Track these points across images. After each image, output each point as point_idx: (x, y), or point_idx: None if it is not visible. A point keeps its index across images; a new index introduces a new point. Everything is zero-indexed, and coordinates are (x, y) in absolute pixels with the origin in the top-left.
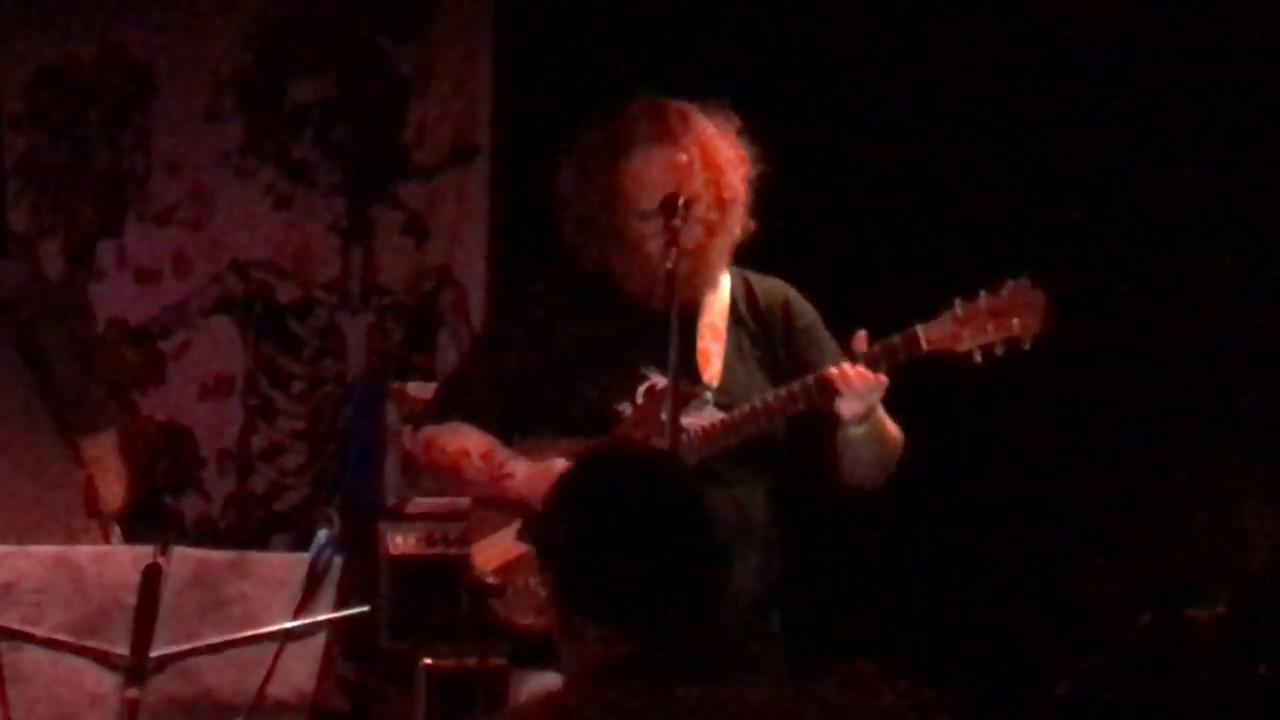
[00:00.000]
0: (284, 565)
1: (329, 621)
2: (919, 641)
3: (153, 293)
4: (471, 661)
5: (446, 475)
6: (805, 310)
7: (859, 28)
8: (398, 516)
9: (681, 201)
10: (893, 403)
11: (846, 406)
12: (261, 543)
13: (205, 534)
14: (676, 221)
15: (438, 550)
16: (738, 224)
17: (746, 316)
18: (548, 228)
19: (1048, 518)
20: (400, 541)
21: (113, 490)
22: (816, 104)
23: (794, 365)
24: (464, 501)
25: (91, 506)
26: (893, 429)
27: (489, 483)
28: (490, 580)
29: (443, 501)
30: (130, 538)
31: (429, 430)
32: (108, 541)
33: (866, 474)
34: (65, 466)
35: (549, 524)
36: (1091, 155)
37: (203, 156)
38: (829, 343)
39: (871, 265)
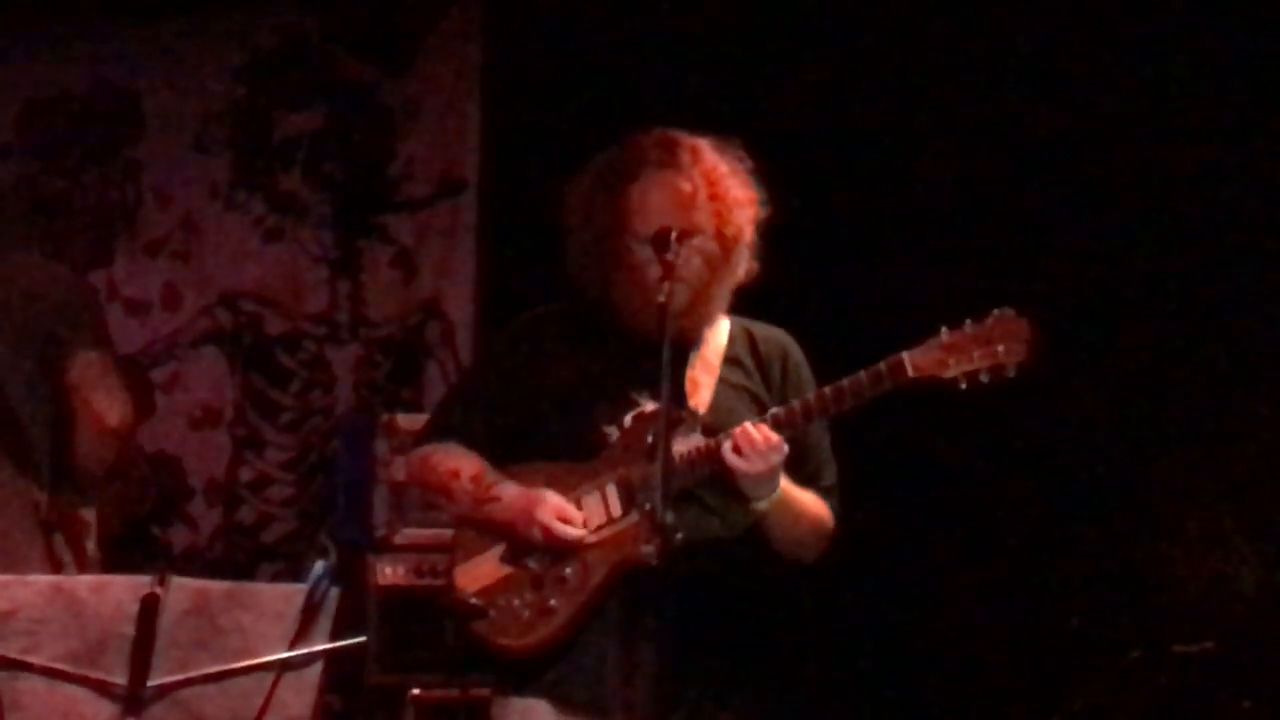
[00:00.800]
0: (281, 596)
1: (325, 652)
2: (906, 681)
3: (142, 324)
4: (455, 691)
5: (437, 494)
6: (802, 365)
7: (838, 55)
8: (387, 548)
9: (674, 235)
10: (878, 435)
11: (743, 463)
12: (249, 573)
13: (193, 564)
14: (670, 255)
15: (427, 581)
16: (741, 264)
17: (745, 360)
18: (536, 261)
19: (1032, 553)
20: (389, 572)
21: (112, 408)
22: (803, 134)
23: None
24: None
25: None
26: (811, 510)
27: (476, 504)
28: (473, 602)
29: (430, 533)
30: (116, 567)
31: (424, 449)
32: (52, 554)
33: (784, 550)
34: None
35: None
36: (1077, 188)
37: (192, 189)
38: None
39: (855, 295)
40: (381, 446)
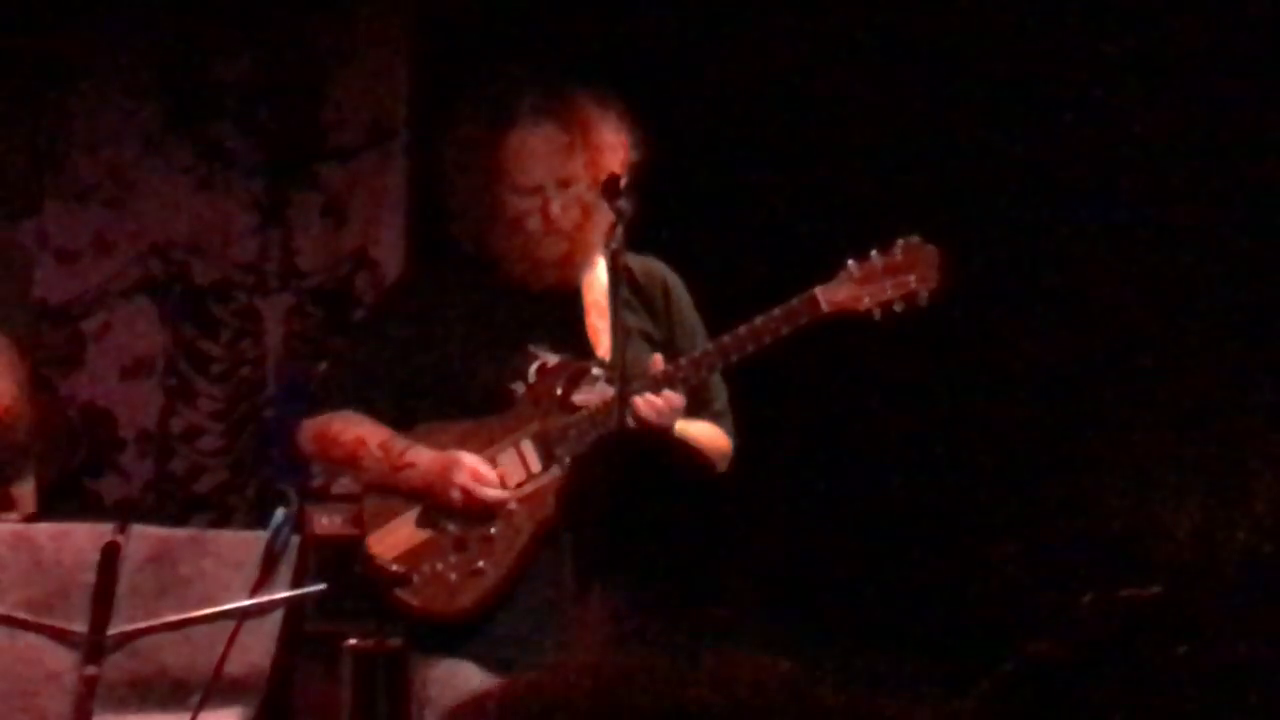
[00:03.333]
0: (242, 543)
1: (286, 600)
2: (852, 629)
3: (73, 273)
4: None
5: (342, 464)
6: (682, 292)
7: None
8: (323, 497)
9: (622, 183)
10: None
11: (657, 423)
12: (181, 524)
13: (124, 516)
14: (621, 203)
15: (364, 530)
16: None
17: (629, 295)
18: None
19: (961, 498)
20: (326, 522)
21: (5, 390)
22: (702, 74)
23: (673, 345)
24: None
25: None
26: (705, 441)
27: (390, 471)
28: (394, 569)
29: None
30: (48, 518)
31: (320, 419)
32: None
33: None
34: None
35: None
36: (980, 111)
37: (121, 137)
38: (701, 329)
39: (753, 231)
40: None
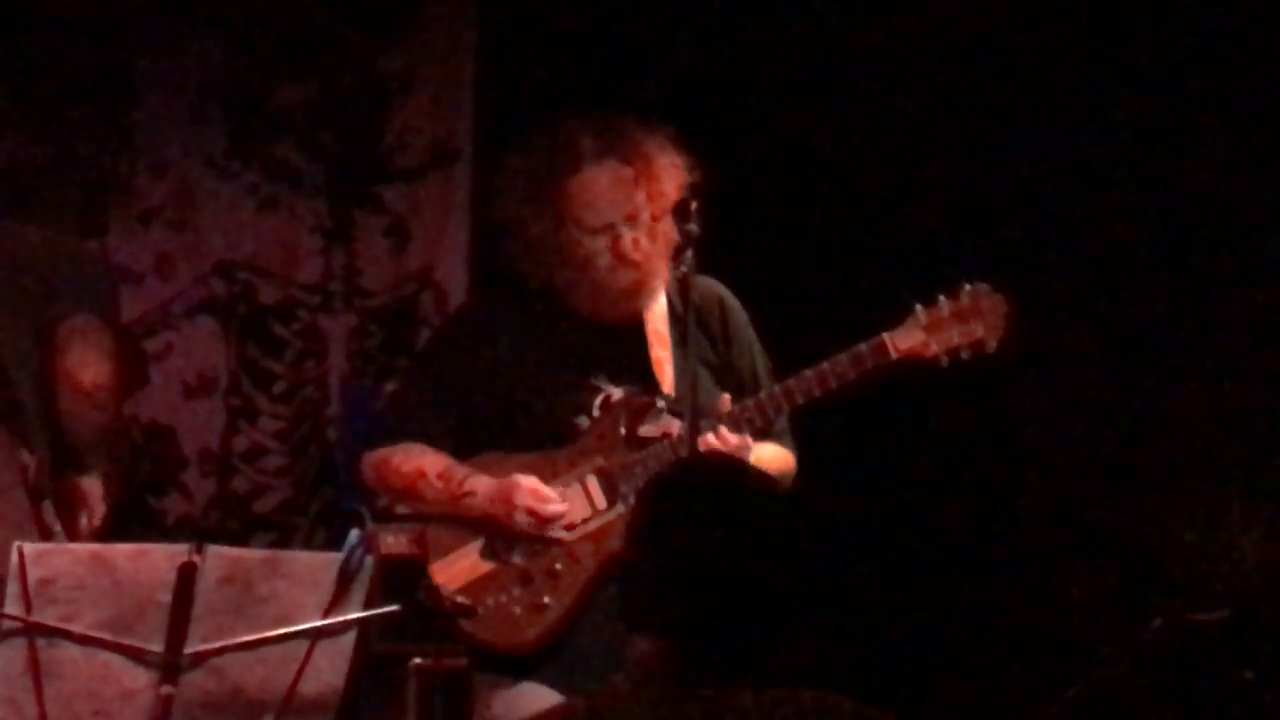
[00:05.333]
0: (316, 564)
1: (360, 620)
2: (918, 656)
3: (136, 293)
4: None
5: (402, 496)
6: (737, 310)
7: (820, 32)
8: (388, 517)
9: (694, 206)
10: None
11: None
12: (242, 544)
13: (186, 535)
14: (691, 225)
15: (429, 551)
16: (674, 231)
17: (686, 317)
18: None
19: (1028, 524)
20: (392, 542)
21: (84, 369)
22: (773, 110)
23: (731, 366)
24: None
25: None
26: (777, 465)
27: (449, 501)
28: (459, 600)
29: None
30: (110, 537)
31: (381, 452)
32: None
33: None
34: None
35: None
36: (1049, 157)
37: (186, 158)
38: (757, 347)
39: (823, 271)
40: None
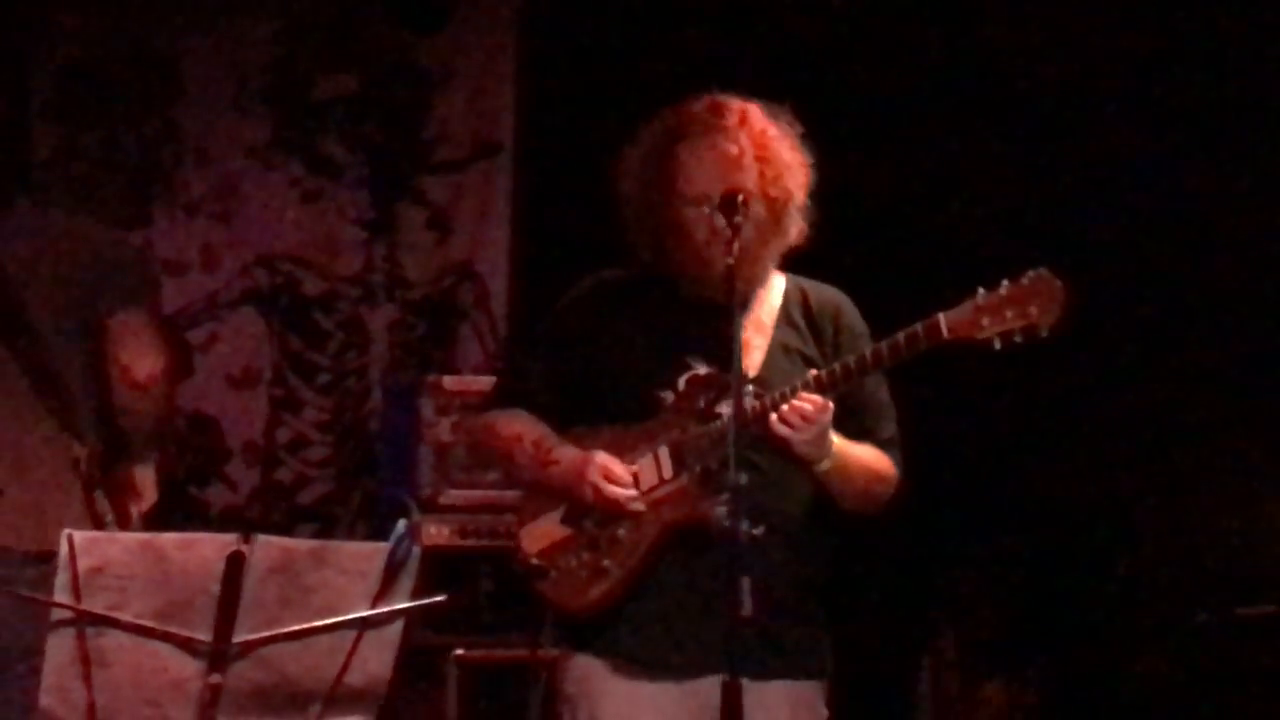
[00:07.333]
0: (364, 554)
1: (406, 610)
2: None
3: (181, 284)
4: (500, 652)
5: (500, 460)
6: (856, 322)
7: (882, 22)
8: (432, 508)
9: (741, 199)
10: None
11: (792, 433)
12: (286, 534)
13: (230, 525)
14: (737, 219)
15: (471, 542)
16: (791, 227)
17: (798, 320)
18: (569, 223)
19: (1077, 519)
20: (434, 532)
21: (139, 362)
22: (841, 98)
23: None
24: (498, 494)
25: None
26: (869, 464)
27: (536, 468)
28: (535, 563)
29: (475, 494)
30: (154, 527)
31: (490, 415)
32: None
33: (849, 505)
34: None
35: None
36: (1116, 148)
37: (230, 150)
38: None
39: (894, 256)
40: (426, 407)
